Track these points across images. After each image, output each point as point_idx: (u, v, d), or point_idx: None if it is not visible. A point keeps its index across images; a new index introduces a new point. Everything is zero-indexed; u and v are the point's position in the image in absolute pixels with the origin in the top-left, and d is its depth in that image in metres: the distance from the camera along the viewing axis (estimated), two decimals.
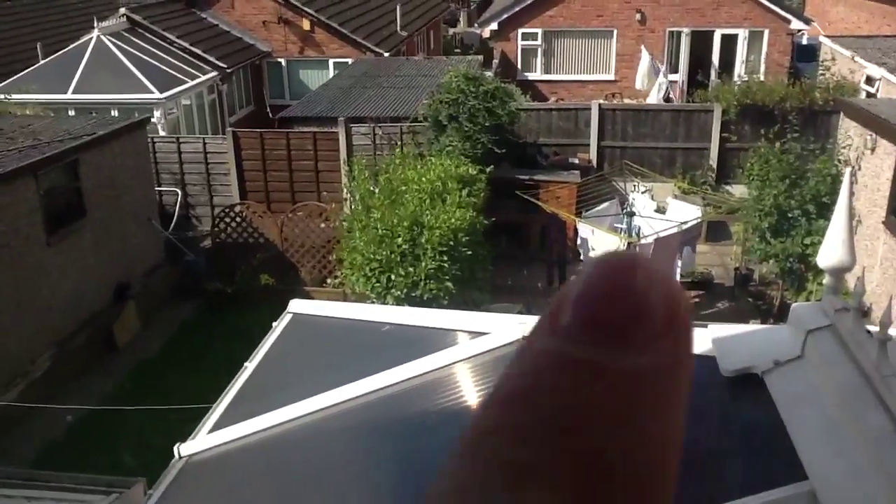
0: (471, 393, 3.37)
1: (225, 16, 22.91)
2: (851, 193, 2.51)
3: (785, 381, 2.26)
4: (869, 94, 16.15)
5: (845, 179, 2.65)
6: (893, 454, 1.75)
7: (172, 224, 14.79)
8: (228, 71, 20.39)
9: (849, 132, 11.99)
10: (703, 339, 2.57)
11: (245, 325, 9.16)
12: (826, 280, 2.60)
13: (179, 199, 15.27)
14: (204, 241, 14.75)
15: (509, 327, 3.39)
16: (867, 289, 10.85)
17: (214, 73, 19.90)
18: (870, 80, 16.48)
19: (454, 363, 3.46)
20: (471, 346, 3.49)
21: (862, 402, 1.96)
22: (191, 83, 18.80)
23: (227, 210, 14.03)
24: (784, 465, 1.97)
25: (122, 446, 9.31)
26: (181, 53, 20.00)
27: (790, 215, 11.41)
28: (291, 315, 4.99)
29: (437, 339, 3.75)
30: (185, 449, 3.78)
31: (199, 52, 20.20)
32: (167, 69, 18.90)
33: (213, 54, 20.42)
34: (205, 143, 15.33)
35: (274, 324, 5.10)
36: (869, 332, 2.13)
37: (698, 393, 1.89)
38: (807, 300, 10.91)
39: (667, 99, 19.32)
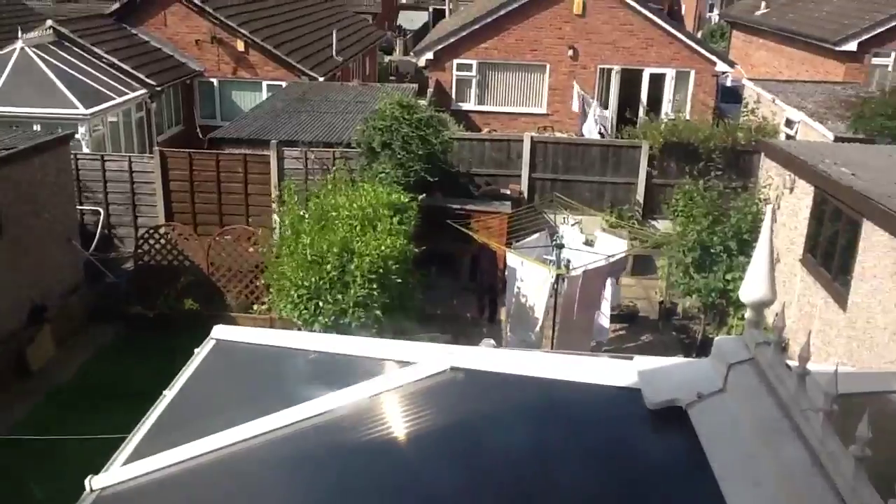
0: (398, 423, 3.32)
1: (157, 33, 22.53)
2: (772, 230, 2.59)
3: (707, 414, 2.29)
4: (789, 136, 16.83)
5: (767, 216, 2.74)
6: (810, 485, 1.79)
7: (94, 244, 14.32)
8: (158, 89, 20.01)
9: (769, 172, 12.43)
10: (629, 371, 2.60)
11: (166, 350, 8.86)
12: (748, 314, 2.66)
13: (102, 218, 14.81)
14: (126, 263, 14.32)
15: (437, 356, 3.36)
16: (786, 324, 11.21)
17: (143, 91, 19.50)
18: (789, 123, 17.19)
19: (381, 392, 3.41)
20: (399, 375, 3.45)
21: (780, 434, 2.00)
22: (118, 100, 18.36)
23: (151, 231, 13.66)
24: (705, 498, 1.99)
25: (32, 478, 8.87)
26: (109, 69, 19.55)
27: (713, 251, 11.72)
28: (214, 341, 4.84)
29: (365, 368, 3.69)
30: (96, 482, 3.61)
31: (128, 68, 19.78)
32: (94, 84, 18.43)
33: (143, 71, 20.02)
34: (131, 162, 14.95)
35: (196, 350, 4.94)
36: (788, 366, 2.19)
37: (624, 425, 1.90)
38: (727, 334, 11.20)
39: (601, 134, 19.80)
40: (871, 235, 8.87)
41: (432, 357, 3.37)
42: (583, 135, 19.82)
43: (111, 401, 10.01)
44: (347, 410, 3.39)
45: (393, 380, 3.38)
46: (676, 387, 2.44)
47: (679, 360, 2.72)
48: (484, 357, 3.26)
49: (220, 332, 4.90)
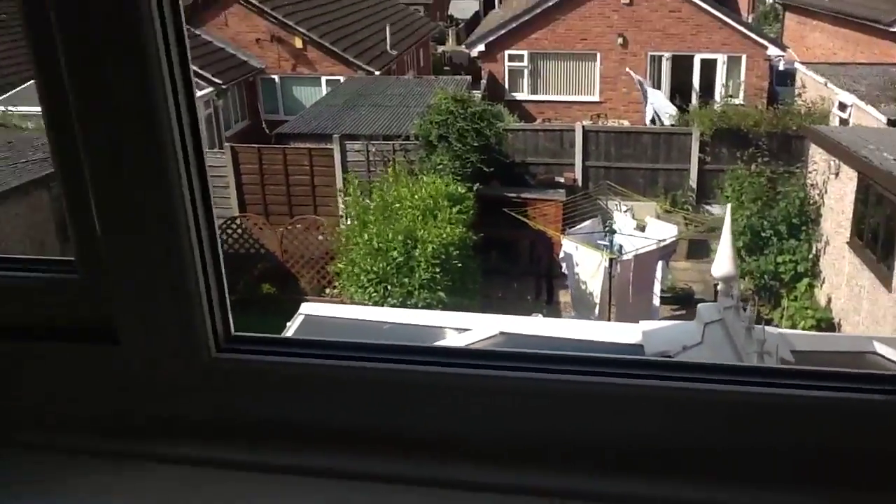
0: None
1: (219, 33, 23.47)
2: (730, 224, 3.26)
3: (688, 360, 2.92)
4: (842, 120, 16.98)
5: (727, 215, 3.39)
6: None
7: None
8: (224, 87, 20.95)
9: (815, 157, 12.74)
10: (637, 331, 3.29)
11: (252, 330, 9.67)
12: (720, 286, 3.31)
13: None
14: None
15: (488, 323, 4.05)
16: (837, 305, 11.55)
17: (210, 89, 20.45)
18: (842, 106, 17.32)
19: None
20: (458, 339, 4.13)
21: None
22: None
23: (228, 221, 14.54)
24: None
25: None
26: None
27: (763, 235, 12.11)
28: (303, 316, 5.57)
29: (430, 335, 4.37)
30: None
31: (195, 68, 20.69)
32: None
33: (209, 71, 20.97)
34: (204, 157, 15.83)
35: (287, 324, 5.66)
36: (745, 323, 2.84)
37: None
38: (781, 315, 11.62)
39: (652, 121, 20.06)
40: None
41: (485, 324, 4.05)
42: (649, 120, 19.97)
43: None
44: None
45: (453, 342, 4.06)
46: (668, 342, 3.11)
47: (674, 322, 3.37)
48: (526, 324, 3.95)
49: (308, 307, 5.62)
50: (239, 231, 14.31)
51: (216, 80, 20.78)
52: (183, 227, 1.15)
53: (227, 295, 1.28)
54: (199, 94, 19.78)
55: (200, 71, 20.77)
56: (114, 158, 1.11)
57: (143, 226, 1.15)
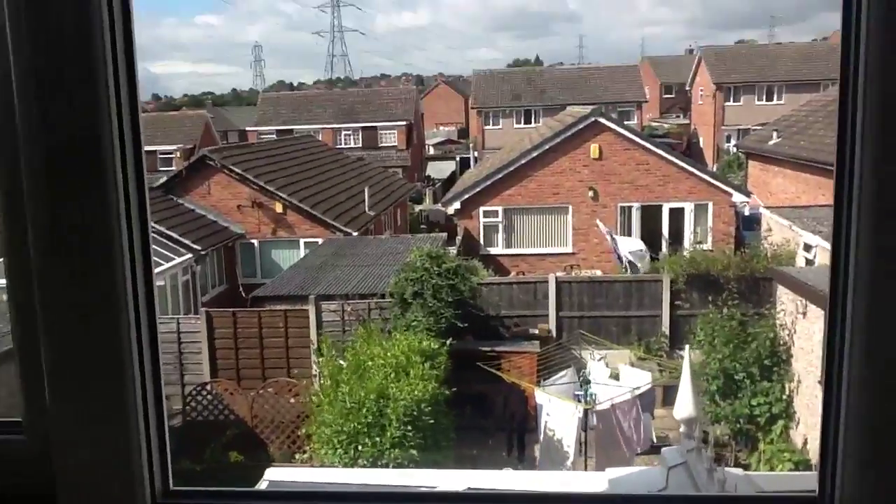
0: None
1: (202, 201, 24.18)
2: (691, 366, 3.25)
3: None
4: (808, 260, 17.33)
5: (685, 358, 3.38)
6: None
7: None
8: (203, 253, 21.33)
9: (781, 298, 12.92)
10: (602, 479, 3.21)
11: None
12: (681, 429, 3.26)
13: None
14: (173, 420, 14.97)
15: (455, 480, 3.96)
16: (814, 446, 11.34)
17: (189, 256, 20.80)
18: (807, 247, 17.73)
19: None
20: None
21: None
22: (165, 266, 19.62)
23: (198, 388, 14.38)
24: None
25: None
26: (158, 237, 20.97)
27: (736, 378, 12.07)
28: (268, 482, 5.43)
29: (399, 496, 4.26)
30: None
31: (175, 235, 21.20)
32: None
33: (189, 237, 21.43)
34: (178, 324, 15.89)
35: None
36: (707, 465, 2.79)
37: None
38: (759, 459, 11.37)
39: (629, 266, 20.36)
40: None
41: (452, 480, 3.97)
42: (625, 268, 20.34)
43: None
44: None
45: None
46: (633, 488, 3.03)
47: (640, 468, 3.30)
48: (493, 478, 3.87)
49: (273, 472, 5.49)
50: (209, 397, 14.14)
51: (195, 247, 21.18)
52: (129, 388, 1.20)
53: (167, 449, 1.31)
54: (178, 260, 20.11)
55: (181, 238, 21.22)
56: (69, 324, 1.17)
57: (89, 386, 1.20)
